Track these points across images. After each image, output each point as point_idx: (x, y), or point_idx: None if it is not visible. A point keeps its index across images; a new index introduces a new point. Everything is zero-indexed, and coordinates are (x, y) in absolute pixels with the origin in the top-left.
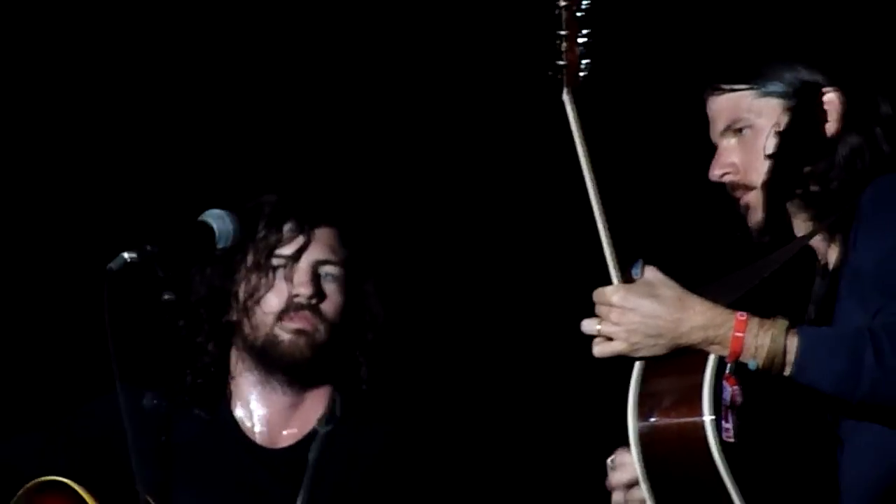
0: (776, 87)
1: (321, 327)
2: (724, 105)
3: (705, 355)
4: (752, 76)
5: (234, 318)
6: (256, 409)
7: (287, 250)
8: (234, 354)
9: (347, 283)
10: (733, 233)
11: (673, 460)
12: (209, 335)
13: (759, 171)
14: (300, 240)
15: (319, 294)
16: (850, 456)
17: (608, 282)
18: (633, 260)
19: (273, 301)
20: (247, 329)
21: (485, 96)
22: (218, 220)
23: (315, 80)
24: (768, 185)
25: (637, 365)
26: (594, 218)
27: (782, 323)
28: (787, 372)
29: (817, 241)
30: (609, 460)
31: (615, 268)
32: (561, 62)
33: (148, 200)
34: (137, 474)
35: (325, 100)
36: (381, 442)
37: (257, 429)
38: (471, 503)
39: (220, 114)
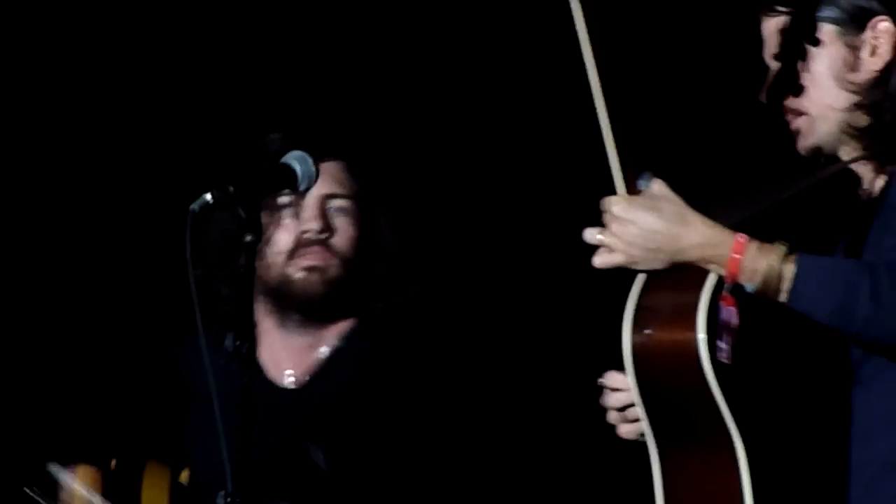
0: (831, 11)
1: (333, 262)
2: (778, 27)
3: (705, 273)
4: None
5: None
6: (278, 352)
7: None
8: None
9: (358, 216)
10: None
11: (666, 377)
12: (226, 282)
13: (810, 97)
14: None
15: (329, 228)
16: (878, 393)
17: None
18: (640, 172)
19: (283, 240)
20: (259, 271)
21: (491, 26)
22: (300, 161)
23: (319, 11)
24: (819, 113)
25: (637, 279)
26: (601, 126)
27: (781, 248)
28: (783, 299)
29: (865, 170)
30: (599, 381)
31: (621, 178)
32: None
33: (156, 140)
34: (219, 418)
35: (326, 30)
36: (395, 370)
37: (281, 371)
38: (466, 429)
39: (223, 49)
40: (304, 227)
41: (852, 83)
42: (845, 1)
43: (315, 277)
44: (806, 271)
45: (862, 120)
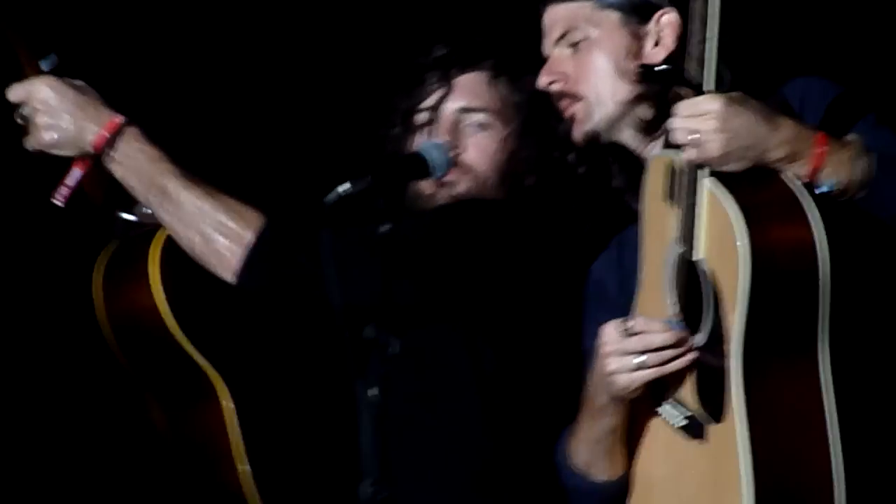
0: (615, 1)
1: (463, 179)
2: (561, 13)
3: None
4: None
5: None
6: None
7: (428, 102)
8: None
9: (495, 133)
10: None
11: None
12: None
13: (588, 83)
14: (440, 90)
15: (461, 141)
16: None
17: None
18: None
19: None
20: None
21: None
22: (433, 150)
23: None
24: (597, 99)
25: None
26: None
27: (858, 139)
28: (860, 194)
29: (636, 137)
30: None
31: (711, 77)
32: None
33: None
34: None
35: None
36: None
37: None
38: None
39: None
40: (436, 139)
41: (634, 75)
42: None
43: (443, 193)
44: (885, 164)
45: (647, 113)
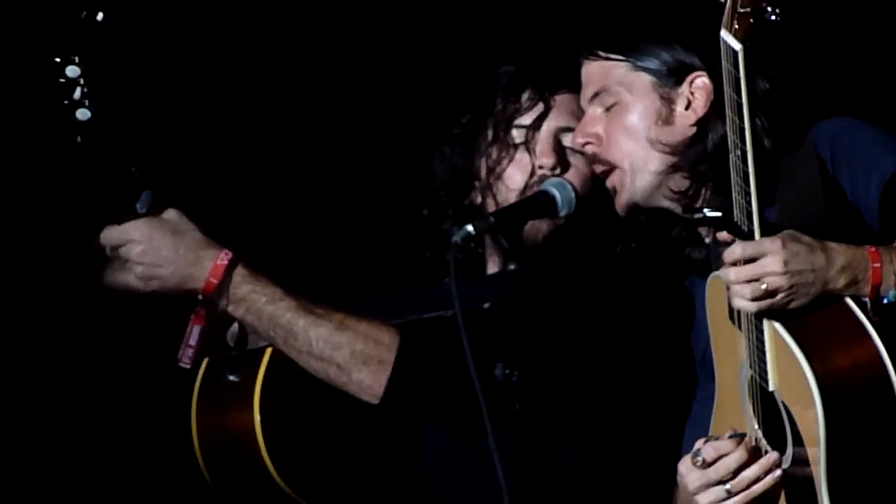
0: (651, 63)
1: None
2: (596, 72)
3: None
4: (629, 48)
5: (478, 199)
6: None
7: (526, 119)
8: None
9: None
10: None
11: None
12: (454, 219)
13: (621, 149)
14: (539, 107)
15: (563, 163)
16: None
17: None
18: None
19: (516, 175)
20: (490, 208)
21: None
22: (559, 187)
23: None
24: (633, 167)
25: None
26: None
27: None
28: None
29: (675, 209)
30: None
31: (757, 221)
32: None
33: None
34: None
35: None
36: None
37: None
38: None
39: None
40: (538, 161)
41: (666, 143)
42: (665, 53)
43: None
44: None
45: (682, 184)
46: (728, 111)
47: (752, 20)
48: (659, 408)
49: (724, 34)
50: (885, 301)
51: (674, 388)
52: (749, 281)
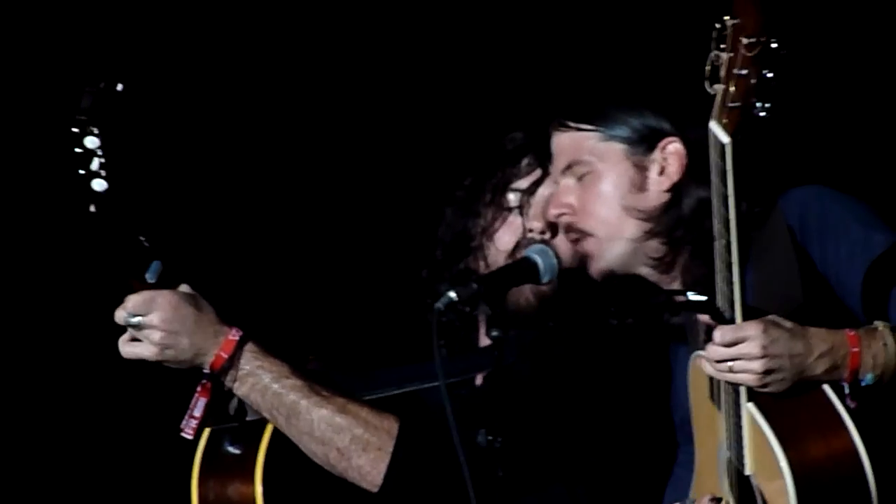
0: (621, 131)
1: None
2: (567, 143)
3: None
4: (599, 117)
5: (472, 264)
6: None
7: (523, 183)
8: None
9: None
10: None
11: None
12: (451, 283)
13: (595, 217)
14: (537, 173)
15: (553, 228)
16: None
17: None
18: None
19: (506, 237)
20: (480, 267)
21: None
22: (541, 254)
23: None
24: (607, 235)
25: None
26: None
27: (885, 325)
28: None
29: (653, 275)
30: None
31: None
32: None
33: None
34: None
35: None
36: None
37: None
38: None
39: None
40: (529, 224)
41: (641, 210)
42: (635, 120)
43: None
44: None
45: (658, 250)
46: (714, 201)
47: (741, 115)
48: (639, 472)
49: (714, 126)
50: (863, 384)
51: (653, 452)
52: (727, 362)
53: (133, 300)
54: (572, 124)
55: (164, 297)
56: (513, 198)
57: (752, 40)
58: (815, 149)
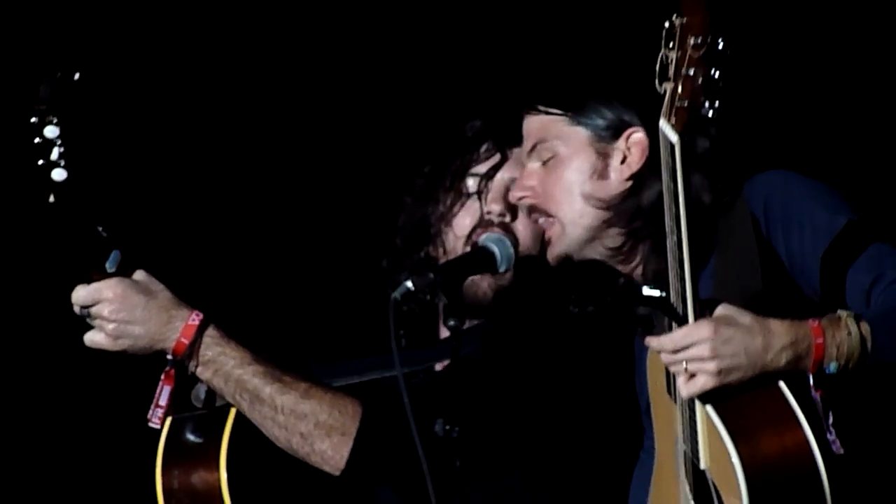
0: (588, 118)
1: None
2: (535, 126)
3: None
4: (568, 102)
5: (431, 252)
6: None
7: (482, 168)
8: None
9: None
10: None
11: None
12: (410, 272)
13: (556, 201)
14: (496, 157)
15: (513, 211)
16: None
17: None
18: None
19: (465, 221)
20: (440, 255)
21: None
22: (498, 243)
23: None
24: (568, 220)
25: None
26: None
27: (848, 314)
28: (864, 360)
29: (613, 261)
30: None
31: (691, 306)
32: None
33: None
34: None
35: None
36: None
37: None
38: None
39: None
40: (488, 207)
41: (600, 198)
42: (604, 108)
43: (500, 284)
44: (878, 326)
45: (617, 240)
46: (666, 198)
47: (689, 113)
48: (603, 460)
49: (663, 124)
50: (828, 372)
51: (618, 438)
52: (683, 365)
53: (79, 292)
54: (542, 108)
55: (110, 287)
56: (472, 183)
57: (699, 40)
58: (781, 133)
